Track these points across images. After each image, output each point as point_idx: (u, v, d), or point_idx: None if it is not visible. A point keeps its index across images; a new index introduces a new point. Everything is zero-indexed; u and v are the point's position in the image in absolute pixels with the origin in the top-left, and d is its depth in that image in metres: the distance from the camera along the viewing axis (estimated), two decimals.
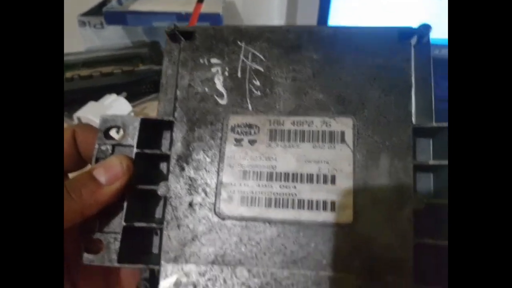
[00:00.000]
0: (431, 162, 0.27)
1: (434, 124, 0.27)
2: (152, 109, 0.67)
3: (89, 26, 0.69)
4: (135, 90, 0.65)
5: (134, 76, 0.66)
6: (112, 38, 0.70)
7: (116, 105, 0.63)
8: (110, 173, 0.26)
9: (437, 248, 0.25)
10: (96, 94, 0.62)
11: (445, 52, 0.54)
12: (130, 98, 0.65)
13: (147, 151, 0.29)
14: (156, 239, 0.29)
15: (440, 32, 0.54)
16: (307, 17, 0.72)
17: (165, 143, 0.30)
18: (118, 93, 0.64)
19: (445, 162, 0.26)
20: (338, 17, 0.68)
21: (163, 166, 0.30)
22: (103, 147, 0.29)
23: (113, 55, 0.68)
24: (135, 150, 0.28)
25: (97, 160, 0.29)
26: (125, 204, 0.27)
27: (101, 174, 0.26)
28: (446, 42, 0.54)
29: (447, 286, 0.24)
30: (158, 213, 0.29)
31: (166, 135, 0.30)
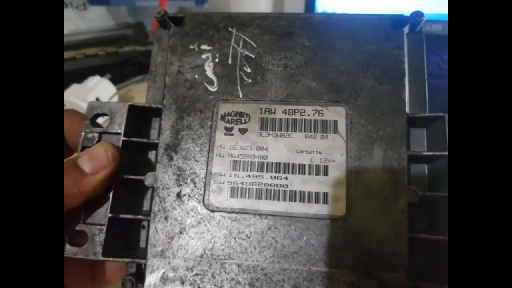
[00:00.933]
0: (426, 152, 0.23)
1: (428, 113, 0.23)
2: (138, 91, 0.60)
3: (72, 7, 0.61)
4: (120, 72, 0.58)
5: (118, 58, 0.60)
6: (96, 20, 0.62)
7: (99, 87, 0.56)
8: (94, 162, 0.22)
9: (432, 243, 0.21)
10: (80, 76, 0.55)
11: (435, 27, 0.50)
12: (114, 80, 0.58)
13: (135, 139, 0.24)
14: (143, 234, 0.25)
15: (430, 8, 0.50)
16: (294, 4, 0.65)
17: (153, 133, 0.26)
18: (102, 75, 0.57)
19: (440, 152, 0.22)
20: (325, 4, 0.62)
21: (151, 155, 0.26)
22: (89, 135, 0.24)
23: (97, 37, 0.60)
24: (122, 138, 0.24)
25: (83, 148, 0.24)
26: (111, 195, 0.23)
27: (85, 163, 0.22)
28: (437, 17, 0.49)
29: (441, 283, 0.21)
30: (146, 206, 0.25)
31: (155, 124, 0.26)
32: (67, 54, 0.58)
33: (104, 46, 0.60)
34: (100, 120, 0.26)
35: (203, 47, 0.26)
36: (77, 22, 0.61)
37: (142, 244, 0.25)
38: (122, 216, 0.23)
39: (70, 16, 0.61)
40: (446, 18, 0.50)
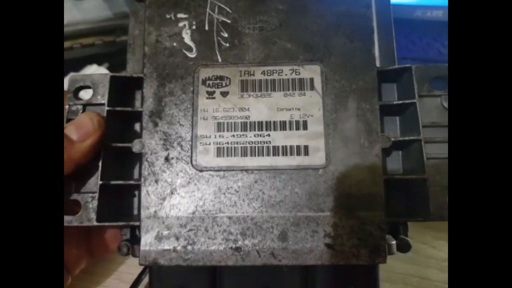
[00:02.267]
0: (396, 102, 0.25)
1: (397, 66, 0.25)
2: None
3: None
4: (118, 61, 0.57)
5: (116, 47, 0.59)
6: (93, 10, 0.61)
7: None
8: (81, 130, 0.23)
9: (406, 183, 0.23)
10: (77, 65, 0.55)
11: (436, 13, 0.51)
12: (112, 69, 0.56)
13: (119, 108, 0.25)
14: (136, 201, 0.25)
15: None
16: None
17: (137, 104, 0.26)
18: (100, 64, 0.56)
19: (409, 100, 0.24)
20: None
21: (137, 126, 0.26)
22: (73, 108, 0.25)
23: (94, 27, 0.59)
24: (106, 108, 0.24)
25: (68, 121, 0.24)
26: (100, 163, 0.23)
27: (72, 132, 0.23)
28: (437, 3, 0.50)
29: (415, 218, 0.23)
30: (135, 175, 0.26)
31: (138, 96, 0.26)
32: (64, 44, 0.57)
33: (101, 35, 0.59)
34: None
35: (180, 15, 0.26)
36: (74, 12, 0.60)
37: (135, 212, 0.25)
38: (113, 182, 0.23)
39: (66, 7, 0.59)
40: (446, 4, 0.50)
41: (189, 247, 0.22)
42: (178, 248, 0.22)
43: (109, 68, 0.56)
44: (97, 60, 0.57)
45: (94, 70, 0.55)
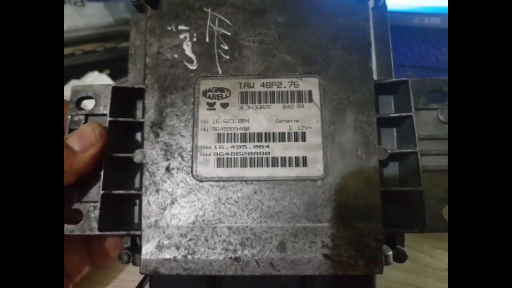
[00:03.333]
0: (393, 114, 0.25)
1: (394, 79, 0.25)
2: None
3: (69, 3, 0.60)
4: (119, 67, 0.58)
5: (117, 53, 0.59)
6: (94, 16, 0.61)
7: (98, 83, 0.55)
8: (83, 141, 0.23)
9: (403, 194, 0.24)
10: (79, 72, 0.55)
11: (434, 21, 0.52)
12: (113, 76, 0.57)
13: (120, 119, 0.25)
14: (137, 210, 0.26)
15: (429, 1, 0.52)
16: None
17: (139, 114, 0.27)
18: (101, 71, 0.57)
19: (406, 113, 0.24)
20: None
21: (138, 136, 0.27)
22: (75, 118, 0.25)
23: (95, 33, 0.59)
24: (108, 118, 0.25)
25: (70, 131, 0.25)
26: (102, 173, 0.24)
27: (74, 142, 0.23)
28: (435, 10, 0.51)
29: (411, 230, 0.23)
30: (137, 184, 0.26)
31: (139, 106, 0.27)
32: (65, 51, 0.57)
33: (102, 42, 0.59)
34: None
35: (181, 27, 0.27)
36: (75, 18, 0.60)
37: (136, 221, 0.26)
38: (114, 192, 0.24)
39: (68, 13, 0.59)
40: (445, 11, 0.51)
41: (189, 257, 0.22)
42: (179, 257, 0.22)
43: (110, 75, 0.57)
44: (98, 66, 0.57)
45: (96, 77, 0.56)
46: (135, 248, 0.25)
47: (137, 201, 0.26)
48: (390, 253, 0.24)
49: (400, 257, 0.24)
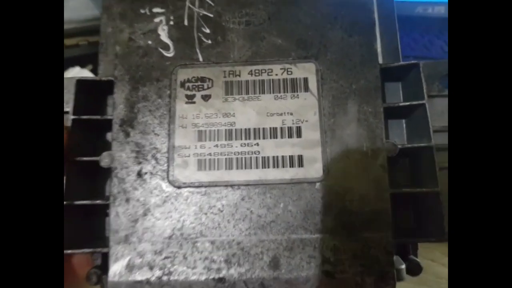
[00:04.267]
0: (402, 103, 0.22)
1: (403, 62, 0.22)
2: None
3: None
4: None
5: None
6: (78, 9, 0.59)
7: None
8: None
9: (415, 197, 0.20)
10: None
11: (438, 10, 0.49)
12: (96, 71, 0.55)
13: (85, 117, 0.22)
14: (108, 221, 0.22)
15: None
16: None
17: (110, 110, 0.23)
18: (84, 66, 0.54)
19: (417, 102, 0.21)
20: None
21: (109, 136, 0.23)
22: None
23: (79, 27, 0.58)
24: (71, 117, 0.21)
25: None
26: (64, 181, 0.20)
27: None
28: (439, 0, 0.49)
29: (428, 237, 0.20)
30: (108, 191, 0.23)
31: (111, 102, 0.23)
32: None
33: (86, 35, 0.57)
34: None
35: (155, 10, 0.23)
36: None
37: (108, 233, 0.22)
38: (77, 203, 0.20)
39: None
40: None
41: (164, 278, 0.19)
42: (152, 279, 0.19)
43: (92, 70, 0.54)
44: (81, 61, 0.55)
45: (77, 72, 0.53)
46: (106, 266, 0.21)
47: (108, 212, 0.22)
48: (403, 266, 0.20)
49: (414, 270, 0.21)
